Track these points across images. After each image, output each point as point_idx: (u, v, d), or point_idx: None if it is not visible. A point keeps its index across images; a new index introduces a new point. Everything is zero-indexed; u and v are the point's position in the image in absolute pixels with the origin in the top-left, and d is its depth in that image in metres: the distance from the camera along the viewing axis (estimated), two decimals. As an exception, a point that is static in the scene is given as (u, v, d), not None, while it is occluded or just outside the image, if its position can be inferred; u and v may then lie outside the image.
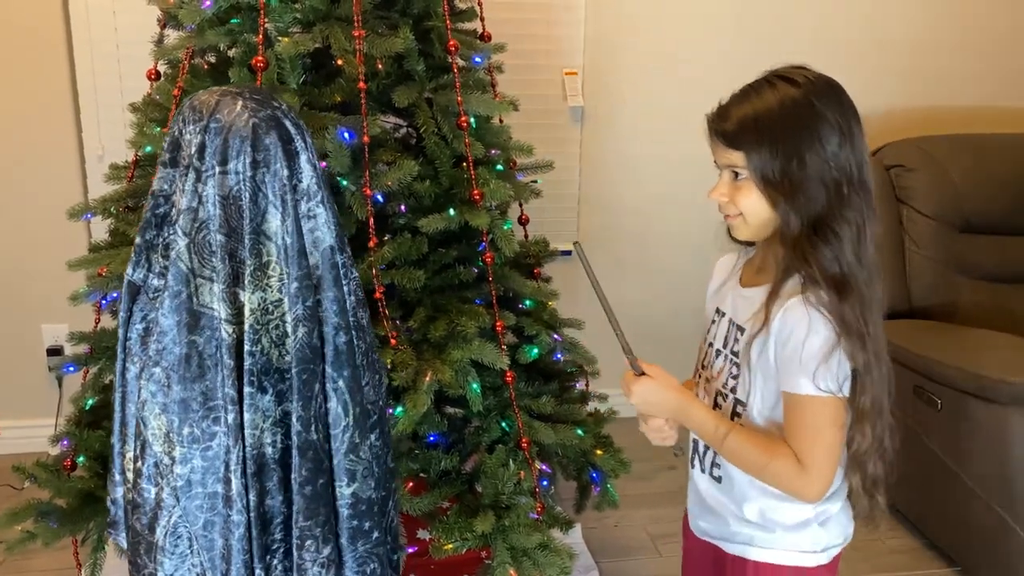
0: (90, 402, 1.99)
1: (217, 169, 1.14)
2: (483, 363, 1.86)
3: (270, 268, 1.17)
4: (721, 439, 1.28)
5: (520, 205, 2.23)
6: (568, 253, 2.98)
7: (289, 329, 1.18)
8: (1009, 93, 3.24)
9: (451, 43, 1.91)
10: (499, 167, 2.02)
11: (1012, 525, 2.22)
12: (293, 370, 1.18)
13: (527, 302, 2.09)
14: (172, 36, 2.04)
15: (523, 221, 2.26)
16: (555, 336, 2.10)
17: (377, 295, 1.79)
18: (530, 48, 2.84)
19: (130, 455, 1.26)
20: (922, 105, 3.18)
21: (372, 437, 1.27)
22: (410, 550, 1.87)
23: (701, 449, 1.40)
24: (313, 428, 1.19)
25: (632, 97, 3.04)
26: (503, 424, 1.98)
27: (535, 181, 2.23)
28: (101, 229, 2.26)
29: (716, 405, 1.36)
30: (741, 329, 1.32)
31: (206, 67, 2.02)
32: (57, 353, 2.84)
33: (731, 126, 1.24)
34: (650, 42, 3.00)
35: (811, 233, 1.21)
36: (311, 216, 1.19)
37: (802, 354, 1.20)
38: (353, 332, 1.23)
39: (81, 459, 1.94)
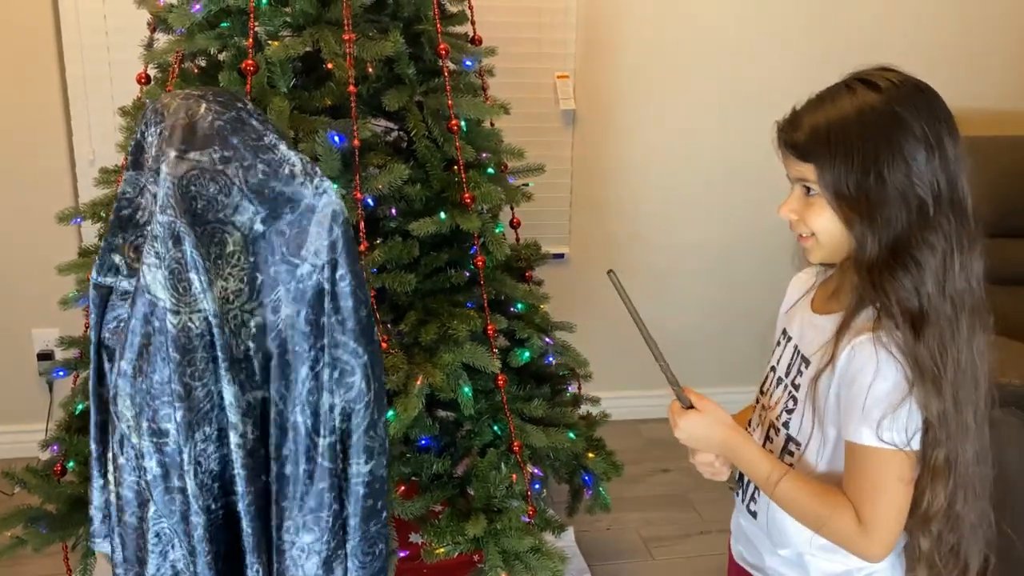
0: (80, 407, 1.98)
1: (173, 154, 1.11)
2: (474, 367, 1.86)
3: (234, 257, 1.15)
4: (774, 484, 1.18)
5: (511, 208, 2.23)
6: (560, 256, 2.99)
7: (270, 314, 1.15)
8: (1008, 95, 3.25)
9: (441, 46, 1.91)
10: (490, 170, 2.03)
11: (1005, 530, 2.22)
12: (274, 351, 1.16)
13: (519, 305, 2.09)
14: (162, 40, 2.03)
15: (515, 224, 2.26)
16: (547, 339, 2.11)
17: (368, 299, 1.79)
18: (522, 51, 2.84)
19: (111, 454, 1.25)
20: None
21: (385, 415, 1.25)
22: (402, 554, 1.87)
23: (746, 479, 1.32)
24: (298, 410, 1.17)
25: (624, 100, 3.04)
26: (495, 428, 1.98)
27: (527, 184, 2.23)
28: (91, 233, 2.26)
29: (767, 439, 1.28)
30: (806, 361, 1.22)
31: (196, 71, 2.01)
32: (48, 358, 2.82)
33: (802, 136, 1.12)
34: (642, 45, 3.00)
35: (889, 259, 1.09)
36: (320, 192, 1.16)
37: (866, 400, 1.09)
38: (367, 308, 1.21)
39: (71, 464, 1.93)
